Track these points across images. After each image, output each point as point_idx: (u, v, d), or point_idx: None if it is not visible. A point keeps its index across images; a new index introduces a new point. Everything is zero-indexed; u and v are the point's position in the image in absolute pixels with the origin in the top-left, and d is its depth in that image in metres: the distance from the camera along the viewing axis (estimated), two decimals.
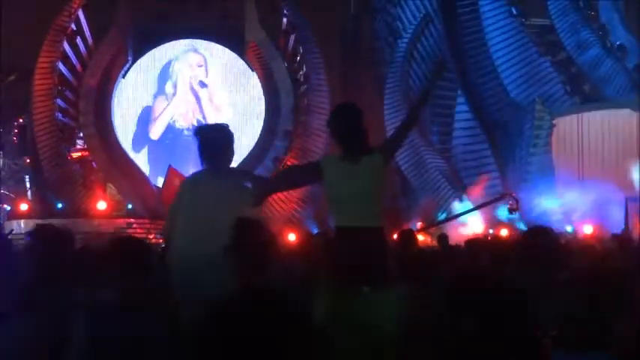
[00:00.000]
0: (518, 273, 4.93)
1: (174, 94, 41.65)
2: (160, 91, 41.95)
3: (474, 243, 7.16)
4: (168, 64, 41.96)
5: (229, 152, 5.25)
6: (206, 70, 41.87)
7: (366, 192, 4.44)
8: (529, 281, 4.58)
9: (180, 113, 41.49)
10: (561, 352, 3.26)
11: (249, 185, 5.16)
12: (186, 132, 39.95)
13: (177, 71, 41.87)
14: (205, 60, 41.92)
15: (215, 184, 4.98)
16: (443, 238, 11.55)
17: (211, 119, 39.64)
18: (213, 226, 4.51)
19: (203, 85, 41.56)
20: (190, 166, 29.08)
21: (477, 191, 33.28)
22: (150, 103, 41.82)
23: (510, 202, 27.95)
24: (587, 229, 27.32)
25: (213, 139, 5.20)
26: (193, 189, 5.17)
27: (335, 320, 4.26)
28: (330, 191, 4.59)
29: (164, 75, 42.04)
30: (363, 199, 4.45)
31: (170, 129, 41.46)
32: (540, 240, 4.90)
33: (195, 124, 40.32)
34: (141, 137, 41.79)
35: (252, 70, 41.55)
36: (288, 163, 35.88)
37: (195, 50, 41.96)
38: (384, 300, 4.26)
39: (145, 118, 41.90)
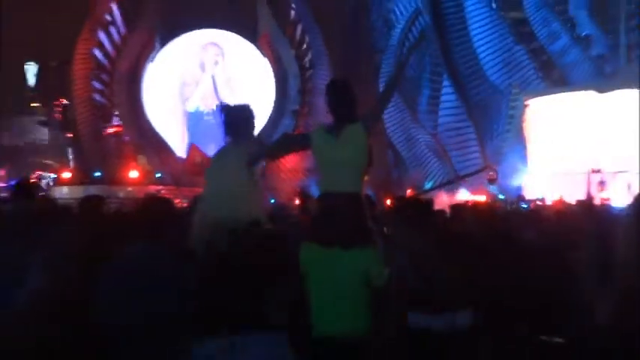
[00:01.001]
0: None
1: (197, 83, 41.81)
2: (185, 81, 42.06)
3: (457, 207, 7.16)
4: (191, 57, 42.03)
5: (250, 127, 5.25)
6: (223, 58, 41.88)
7: (344, 160, 4.36)
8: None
9: (200, 97, 41.57)
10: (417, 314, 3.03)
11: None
12: (205, 117, 40.07)
13: (198, 63, 41.99)
14: (223, 52, 41.92)
15: (230, 155, 4.98)
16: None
17: (227, 101, 39.84)
18: (222, 192, 4.55)
19: (217, 63, 41.72)
20: (209, 143, 29.37)
21: None
22: (175, 86, 41.86)
23: (490, 173, 27.85)
24: (555, 196, 27.30)
25: (236, 117, 5.20)
26: (217, 161, 5.19)
27: (310, 275, 4.31)
28: (316, 159, 4.59)
29: (187, 67, 42.10)
30: (342, 166, 4.40)
31: (193, 113, 41.60)
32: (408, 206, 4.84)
33: (215, 108, 40.55)
34: (170, 119, 41.92)
35: (264, 57, 41.47)
36: None
37: (215, 44, 41.96)
38: (354, 257, 4.25)
39: (174, 102, 42.01)
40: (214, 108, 6.34)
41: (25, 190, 5.90)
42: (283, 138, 5.75)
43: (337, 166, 4.36)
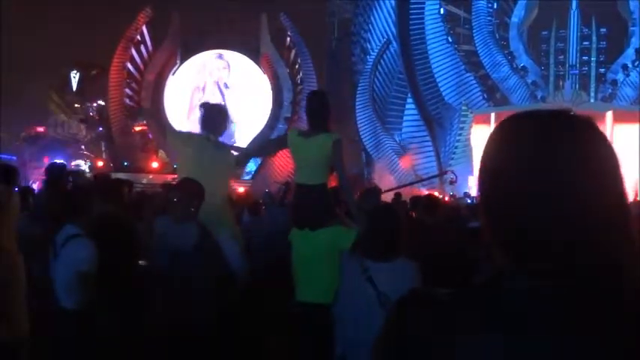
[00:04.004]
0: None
1: (204, 88, 41.40)
2: (196, 86, 41.71)
3: (414, 198, 7.27)
4: (204, 70, 41.76)
5: (224, 124, 5.08)
6: (229, 72, 41.72)
7: (312, 158, 4.39)
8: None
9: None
10: (370, 261, 3.45)
11: (234, 153, 5.05)
12: None
13: (208, 72, 41.74)
14: (229, 65, 41.75)
15: (212, 148, 4.81)
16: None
17: (232, 109, 39.68)
18: (208, 179, 4.38)
19: (226, 86, 41.46)
20: None
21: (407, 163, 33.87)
22: (190, 94, 41.54)
23: (451, 177, 27.62)
24: None
25: (214, 113, 5.04)
26: (196, 147, 4.93)
27: (293, 249, 4.39)
28: (292, 156, 4.60)
29: (200, 75, 41.83)
30: (310, 164, 4.41)
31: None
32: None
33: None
34: (185, 120, 41.63)
35: (264, 74, 41.45)
36: None
37: (221, 57, 41.79)
38: (320, 235, 4.31)
39: (189, 107, 41.68)
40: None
41: (55, 172, 5.85)
42: (268, 141, 5.79)
43: (306, 163, 4.40)
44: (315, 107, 4.47)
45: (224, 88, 41.36)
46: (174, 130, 5.66)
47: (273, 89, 41.18)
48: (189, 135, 5.16)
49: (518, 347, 0.84)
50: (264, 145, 5.61)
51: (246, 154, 5.20)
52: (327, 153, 4.33)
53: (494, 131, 0.99)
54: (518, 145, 0.93)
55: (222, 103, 5.21)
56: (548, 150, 0.90)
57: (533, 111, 0.98)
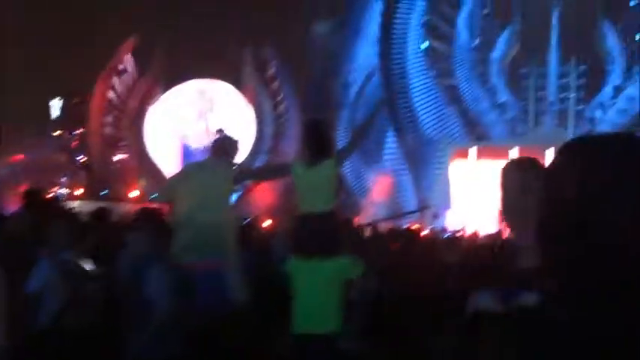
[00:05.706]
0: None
1: (190, 124, 41.13)
2: (181, 121, 41.38)
3: (391, 229, 7.43)
4: (187, 101, 41.54)
5: (233, 155, 5.24)
6: (213, 105, 41.66)
7: (318, 187, 4.42)
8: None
9: (192, 136, 40.97)
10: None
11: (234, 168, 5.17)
12: (194, 151, 39.43)
13: (193, 107, 41.56)
14: (213, 99, 41.61)
15: (214, 169, 4.95)
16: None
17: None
18: (209, 198, 4.52)
19: (210, 110, 41.33)
20: None
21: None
22: (171, 124, 41.31)
23: (433, 211, 27.50)
24: (471, 230, 27.48)
25: (229, 143, 5.23)
26: (199, 172, 5.10)
27: (294, 280, 4.39)
28: (295, 184, 4.64)
29: (184, 110, 41.50)
30: (317, 192, 4.43)
31: (186, 148, 40.89)
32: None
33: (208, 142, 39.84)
34: (165, 150, 41.30)
35: (248, 105, 41.61)
36: None
37: (208, 92, 41.69)
38: (327, 264, 4.31)
39: (169, 137, 41.48)
40: (205, 145, 6.06)
41: (32, 197, 5.90)
42: (269, 166, 5.81)
43: (312, 191, 4.45)
44: (316, 136, 4.56)
45: (207, 115, 41.26)
46: (172, 180, 5.68)
47: (256, 121, 41.29)
48: (184, 172, 5.33)
49: None
50: (263, 169, 5.65)
51: (246, 173, 5.32)
52: (333, 179, 4.41)
53: (555, 158, 0.99)
54: (578, 172, 0.93)
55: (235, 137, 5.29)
56: (613, 175, 0.90)
57: (589, 137, 1.01)
